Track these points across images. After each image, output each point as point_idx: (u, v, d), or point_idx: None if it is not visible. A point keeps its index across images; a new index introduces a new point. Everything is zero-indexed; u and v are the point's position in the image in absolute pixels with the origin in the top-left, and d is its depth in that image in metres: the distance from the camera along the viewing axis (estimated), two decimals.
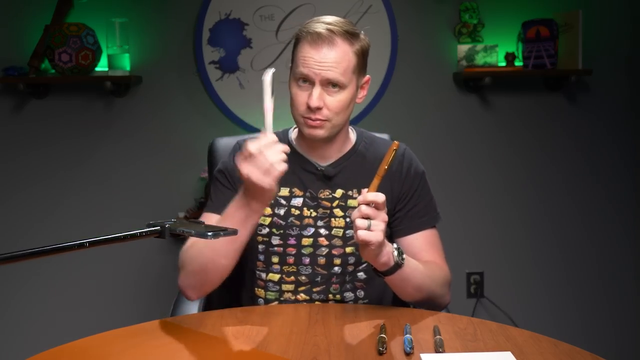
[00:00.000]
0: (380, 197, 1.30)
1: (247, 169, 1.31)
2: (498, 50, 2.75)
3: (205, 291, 1.50)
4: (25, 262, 1.02)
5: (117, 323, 1.42)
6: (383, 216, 1.31)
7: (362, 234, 1.29)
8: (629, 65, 2.87)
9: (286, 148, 1.34)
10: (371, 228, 1.29)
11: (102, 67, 2.73)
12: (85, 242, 1.06)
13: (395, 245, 1.41)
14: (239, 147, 1.61)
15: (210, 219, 1.52)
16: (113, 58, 2.69)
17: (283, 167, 1.32)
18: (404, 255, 1.41)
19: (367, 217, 1.30)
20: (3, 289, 2.81)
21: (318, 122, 1.47)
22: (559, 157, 2.89)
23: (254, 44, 2.75)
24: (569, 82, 2.77)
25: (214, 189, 1.61)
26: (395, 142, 1.34)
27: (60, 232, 2.77)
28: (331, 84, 1.46)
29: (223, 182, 1.59)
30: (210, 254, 1.43)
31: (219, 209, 1.50)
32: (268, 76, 1.33)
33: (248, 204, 1.37)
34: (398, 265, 1.39)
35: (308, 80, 1.47)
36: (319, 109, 1.46)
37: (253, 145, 1.31)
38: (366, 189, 1.32)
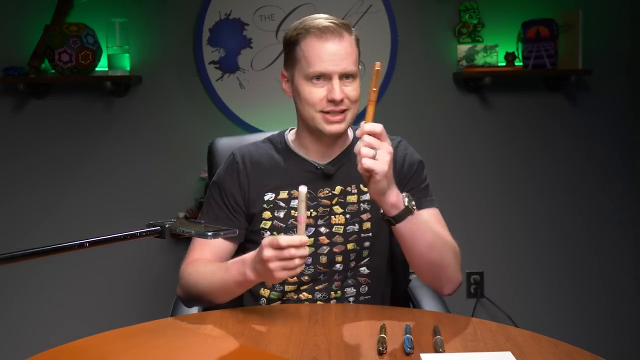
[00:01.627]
0: (378, 127, 1.29)
1: (268, 254, 1.30)
2: (498, 50, 2.75)
3: (202, 306, 1.57)
4: (25, 262, 1.02)
5: (117, 323, 1.42)
6: (387, 147, 1.30)
7: (367, 162, 1.28)
8: (629, 65, 2.87)
9: (306, 252, 1.32)
10: (376, 157, 1.28)
11: (102, 67, 2.73)
12: (85, 242, 1.06)
13: (405, 192, 1.39)
14: (232, 158, 1.62)
15: (200, 242, 1.56)
16: (113, 58, 2.69)
17: (299, 270, 1.31)
18: (414, 204, 1.38)
19: (372, 147, 1.28)
20: (3, 289, 2.81)
21: (341, 115, 1.49)
22: (559, 157, 2.89)
23: (254, 44, 2.75)
24: (569, 82, 2.77)
25: (207, 202, 1.63)
26: (377, 62, 1.31)
27: (60, 232, 2.77)
28: (345, 76, 1.48)
29: (216, 198, 1.60)
30: (206, 288, 1.48)
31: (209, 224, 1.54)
32: (304, 191, 1.30)
33: (246, 271, 1.37)
34: (409, 210, 1.36)
35: (323, 76, 1.48)
36: (341, 101, 1.48)
37: (284, 239, 1.29)
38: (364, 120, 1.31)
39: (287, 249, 1.28)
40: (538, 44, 2.70)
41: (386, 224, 1.40)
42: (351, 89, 1.49)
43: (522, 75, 2.80)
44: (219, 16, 2.73)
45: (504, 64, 2.77)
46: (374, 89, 1.30)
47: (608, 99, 2.87)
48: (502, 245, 2.91)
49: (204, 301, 1.52)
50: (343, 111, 1.49)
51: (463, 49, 2.74)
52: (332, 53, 1.47)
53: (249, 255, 1.39)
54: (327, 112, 1.49)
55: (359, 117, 2.77)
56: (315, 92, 1.49)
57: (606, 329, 2.91)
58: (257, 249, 1.35)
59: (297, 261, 1.29)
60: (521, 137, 2.87)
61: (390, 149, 1.30)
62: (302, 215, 1.30)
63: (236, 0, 2.73)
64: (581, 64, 2.68)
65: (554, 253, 2.92)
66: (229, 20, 2.74)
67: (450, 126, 2.85)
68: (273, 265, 1.29)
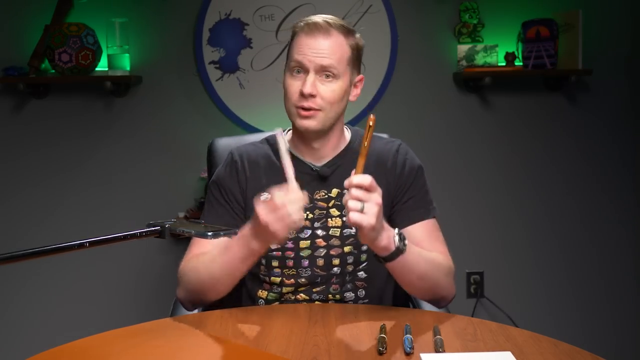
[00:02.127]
0: (367, 179, 1.28)
1: (266, 217, 1.31)
2: (498, 50, 2.75)
3: (203, 305, 1.54)
4: (25, 262, 1.02)
5: (117, 323, 1.42)
6: (376, 198, 1.28)
7: (354, 217, 1.27)
8: (629, 65, 2.87)
9: (306, 199, 1.34)
10: (364, 211, 1.27)
11: (102, 67, 2.73)
12: (85, 242, 1.06)
13: (397, 230, 1.38)
14: (230, 158, 1.61)
15: (198, 241, 1.55)
16: (113, 58, 2.69)
17: (301, 223, 1.33)
18: (406, 242, 1.38)
19: (359, 200, 1.27)
20: (3, 289, 2.81)
21: (311, 111, 1.48)
22: (559, 157, 2.89)
23: (254, 44, 2.75)
24: (569, 82, 2.77)
25: (208, 202, 1.62)
26: (371, 115, 1.30)
27: (60, 232, 2.77)
28: (325, 73, 1.47)
29: (216, 196, 1.60)
30: (207, 278, 1.47)
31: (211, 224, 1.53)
32: (279, 132, 1.33)
33: (250, 242, 1.38)
34: (400, 251, 1.36)
35: (302, 70, 1.48)
36: (312, 96, 1.46)
37: (279, 197, 1.30)
38: (354, 170, 1.30)
39: (284, 207, 1.30)
40: (538, 44, 2.70)
41: (377, 261, 1.40)
42: (327, 89, 1.47)
43: (522, 75, 2.80)
44: (219, 16, 2.73)
45: (504, 64, 2.77)
46: (365, 144, 1.28)
47: (608, 99, 2.87)
48: (502, 245, 2.91)
49: (207, 295, 1.49)
50: (315, 109, 1.48)
51: (463, 49, 2.74)
52: (313, 47, 1.47)
53: (246, 227, 1.39)
54: (300, 107, 1.48)
55: (359, 118, 2.76)
56: (293, 85, 1.49)
57: (606, 329, 2.91)
58: (251, 219, 1.36)
59: (296, 213, 1.30)
60: (521, 137, 2.87)
61: (379, 200, 1.29)
62: (286, 159, 1.33)
63: (236, 0, 2.73)
64: (581, 64, 2.68)
65: (554, 253, 2.92)
66: (229, 20, 2.74)
67: (450, 126, 2.85)
68: (272, 226, 1.30)
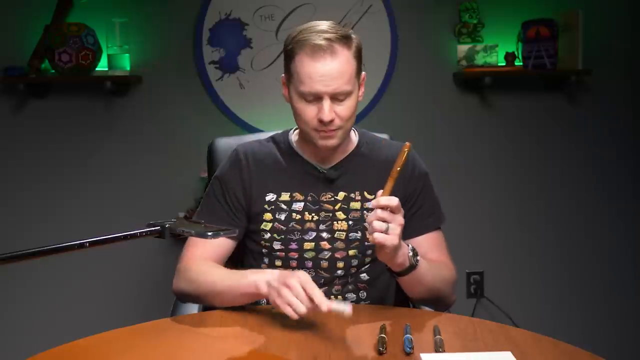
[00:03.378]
0: (394, 201, 1.30)
1: (294, 282, 1.29)
2: (498, 50, 2.75)
3: (198, 304, 1.56)
4: (26, 262, 1.02)
5: (117, 323, 1.42)
6: (400, 220, 1.32)
7: (379, 237, 1.29)
8: (629, 65, 2.87)
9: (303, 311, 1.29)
10: (388, 232, 1.29)
11: (102, 67, 2.73)
12: (85, 242, 1.06)
13: (410, 247, 1.41)
14: (235, 155, 1.61)
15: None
16: (113, 58, 2.69)
17: (303, 313, 1.28)
18: (418, 257, 1.42)
19: (384, 221, 1.29)
20: (3, 289, 2.81)
21: (332, 132, 1.47)
22: (559, 157, 2.89)
23: (254, 44, 2.75)
24: (569, 82, 2.77)
25: (207, 195, 1.62)
26: (407, 143, 1.33)
27: (60, 232, 2.77)
28: (339, 96, 1.45)
29: (216, 192, 1.60)
30: (211, 291, 1.47)
31: (206, 219, 1.54)
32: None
33: (259, 285, 1.37)
34: (413, 267, 1.40)
35: (314, 96, 1.45)
36: (331, 121, 1.45)
37: (318, 291, 1.29)
38: (381, 191, 1.31)
39: (311, 295, 1.27)
40: (538, 44, 2.70)
41: (391, 275, 1.44)
42: (343, 108, 1.46)
43: (522, 75, 2.80)
44: (219, 16, 2.73)
45: (504, 64, 2.77)
46: (398, 169, 1.31)
47: (608, 99, 2.87)
48: (502, 245, 2.91)
49: (202, 302, 1.52)
50: (334, 129, 1.47)
51: (463, 49, 2.74)
52: (322, 74, 1.42)
53: (270, 271, 1.40)
54: (322, 131, 1.48)
55: (359, 118, 2.76)
56: (308, 111, 1.47)
57: (606, 329, 2.91)
58: (285, 271, 1.36)
59: (303, 309, 1.27)
60: (521, 137, 2.87)
61: (402, 221, 1.32)
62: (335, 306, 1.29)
63: (236, 0, 2.73)
64: (581, 64, 2.68)
65: (553, 253, 2.92)
66: (229, 20, 2.74)
67: (450, 126, 2.85)
68: (286, 293, 1.29)
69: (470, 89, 2.84)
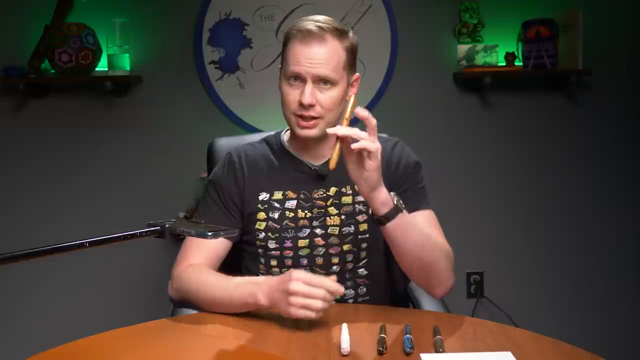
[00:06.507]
0: (372, 120, 1.29)
1: (296, 287, 1.29)
2: (498, 50, 2.75)
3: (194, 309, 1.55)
4: (26, 262, 1.02)
5: (117, 323, 1.42)
6: (377, 139, 1.31)
7: (364, 142, 1.27)
8: (629, 65, 2.87)
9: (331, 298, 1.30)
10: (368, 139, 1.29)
11: (102, 67, 2.73)
12: (85, 242, 1.06)
13: (393, 192, 1.38)
14: (229, 157, 1.62)
15: (196, 242, 1.55)
16: (113, 58, 2.69)
17: (318, 315, 1.29)
18: (403, 204, 1.38)
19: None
20: (3, 289, 2.81)
21: (312, 121, 1.48)
22: (558, 157, 2.89)
23: (254, 44, 2.75)
24: (569, 82, 2.77)
25: (203, 200, 1.63)
26: (351, 93, 1.35)
27: (60, 232, 2.77)
28: (322, 81, 1.47)
29: (212, 195, 1.60)
30: (206, 300, 1.45)
31: (205, 222, 1.52)
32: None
33: (257, 296, 1.36)
34: (398, 209, 1.35)
35: (299, 78, 1.48)
36: (311, 105, 1.47)
37: (318, 279, 1.29)
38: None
39: (319, 287, 1.27)
40: (538, 44, 2.70)
41: (376, 224, 1.38)
42: (325, 96, 1.47)
43: (522, 75, 2.80)
44: (219, 16, 2.73)
45: (504, 64, 2.77)
46: (346, 116, 1.33)
47: (608, 99, 2.87)
48: (502, 245, 2.91)
49: (198, 309, 1.50)
50: (314, 118, 1.48)
51: (463, 49, 2.74)
52: (309, 56, 1.45)
53: (264, 279, 1.38)
54: (300, 116, 1.48)
55: (356, 120, 2.76)
56: (291, 93, 1.49)
57: (606, 329, 2.91)
58: (280, 278, 1.34)
59: (319, 304, 1.27)
60: (521, 137, 2.87)
61: (379, 145, 1.30)
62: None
63: (236, 0, 2.73)
64: (581, 64, 2.68)
65: (553, 253, 2.92)
66: (229, 20, 2.74)
67: (450, 126, 2.85)
68: (295, 300, 1.28)
69: (470, 89, 2.84)
